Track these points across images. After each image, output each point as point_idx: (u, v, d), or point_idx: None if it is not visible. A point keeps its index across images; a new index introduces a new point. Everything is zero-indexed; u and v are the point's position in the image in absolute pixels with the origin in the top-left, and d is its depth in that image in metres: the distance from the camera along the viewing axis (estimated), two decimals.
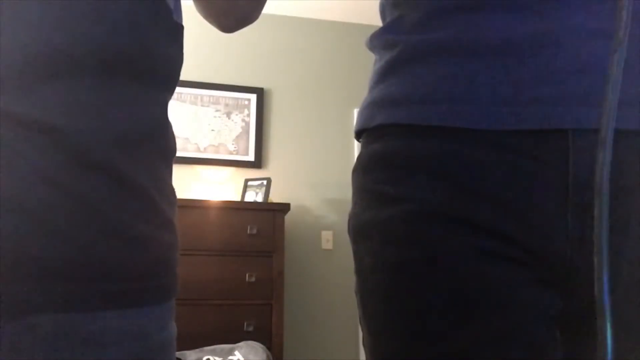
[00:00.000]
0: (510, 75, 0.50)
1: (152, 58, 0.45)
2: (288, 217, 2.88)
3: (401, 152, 0.54)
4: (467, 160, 0.50)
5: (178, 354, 2.07)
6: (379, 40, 0.60)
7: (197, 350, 2.17)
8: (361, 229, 0.56)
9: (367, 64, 0.67)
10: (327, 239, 3.14)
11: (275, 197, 3.02)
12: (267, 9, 3.30)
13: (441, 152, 0.51)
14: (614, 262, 0.48)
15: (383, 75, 0.58)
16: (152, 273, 0.44)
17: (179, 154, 3.02)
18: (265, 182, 2.88)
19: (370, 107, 0.58)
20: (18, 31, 0.38)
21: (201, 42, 3.15)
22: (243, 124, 3.18)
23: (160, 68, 0.46)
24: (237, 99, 3.20)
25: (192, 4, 0.61)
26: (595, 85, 0.49)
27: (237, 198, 3.00)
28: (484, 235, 0.49)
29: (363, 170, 0.58)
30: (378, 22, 0.64)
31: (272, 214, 2.64)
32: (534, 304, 0.49)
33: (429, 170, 0.52)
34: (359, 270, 0.57)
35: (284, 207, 2.68)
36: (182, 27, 0.49)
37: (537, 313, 0.49)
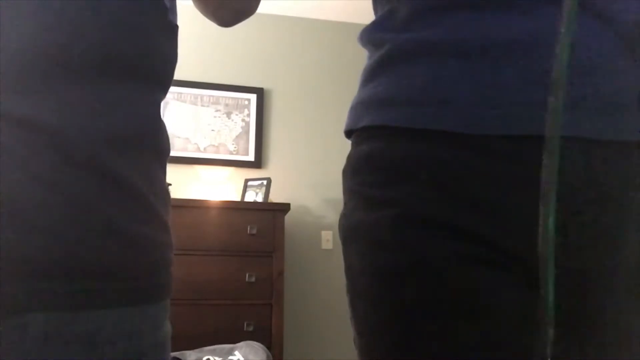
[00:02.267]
0: (497, 78, 0.49)
1: (147, 57, 0.45)
2: (288, 217, 2.88)
3: (386, 154, 0.54)
4: (452, 165, 0.50)
5: (178, 354, 2.07)
6: (369, 37, 0.60)
7: (197, 350, 2.17)
8: (349, 232, 0.56)
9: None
10: (327, 239, 3.14)
11: (275, 197, 3.02)
12: (267, 9, 3.30)
13: (426, 155, 0.51)
14: (608, 270, 0.49)
15: (371, 74, 0.58)
16: (145, 272, 0.44)
17: (179, 154, 3.02)
18: (265, 182, 2.88)
19: (358, 107, 0.58)
20: (14, 32, 0.38)
21: (201, 42, 3.15)
22: (243, 124, 3.18)
23: (154, 67, 0.46)
24: (237, 99, 3.20)
25: (191, 4, 0.61)
26: (585, 91, 0.48)
27: (237, 198, 3.00)
28: (468, 240, 0.49)
29: (351, 171, 0.58)
30: None
31: (272, 214, 2.64)
32: (518, 306, 0.49)
33: (414, 174, 0.51)
34: (348, 272, 0.57)
35: (284, 207, 2.68)
36: (176, 27, 0.49)
37: (522, 316, 0.49)
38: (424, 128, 0.51)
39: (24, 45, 0.38)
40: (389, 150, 0.53)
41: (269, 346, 2.42)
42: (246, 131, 3.18)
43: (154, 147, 0.47)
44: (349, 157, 0.59)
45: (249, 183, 2.94)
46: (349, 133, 0.60)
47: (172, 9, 0.49)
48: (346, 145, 0.61)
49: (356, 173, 0.57)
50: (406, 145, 0.52)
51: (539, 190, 0.49)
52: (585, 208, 0.48)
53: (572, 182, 0.48)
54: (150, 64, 0.45)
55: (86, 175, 0.40)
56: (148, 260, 0.44)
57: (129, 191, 0.43)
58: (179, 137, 3.05)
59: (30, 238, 0.37)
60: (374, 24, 0.59)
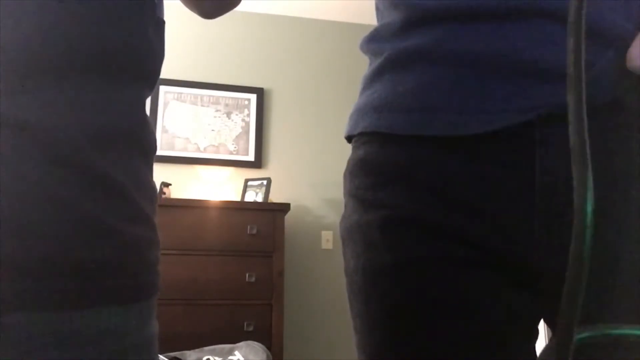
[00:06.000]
0: (483, 88, 0.51)
1: (132, 53, 0.44)
2: (288, 217, 2.88)
3: (378, 159, 0.56)
4: (440, 168, 0.52)
5: (178, 354, 2.07)
6: (368, 46, 0.62)
7: (197, 350, 2.16)
8: (347, 232, 0.59)
9: (367, 64, 0.67)
10: (327, 239, 3.14)
11: (275, 197, 3.02)
12: (267, 9, 3.30)
13: (415, 159, 0.54)
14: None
15: (369, 82, 0.60)
16: (130, 270, 0.43)
17: (179, 154, 3.02)
18: (265, 182, 2.88)
19: (356, 114, 0.61)
20: None
21: (202, 42, 3.15)
22: (243, 124, 3.18)
23: (140, 63, 0.46)
24: (237, 99, 3.20)
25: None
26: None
27: (237, 198, 3.00)
28: (454, 241, 0.51)
29: (350, 175, 0.61)
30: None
31: (272, 214, 2.64)
32: (504, 305, 0.51)
33: (404, 177, 0.54)
34: (346, 272, 0.59)
35: (284, 207, 2.68)
36: (163, 22, 0.49)
37: (508, 314, 0.51)
38: (411, 134, 0.54)
39: (4, 44, 0.37)
40: (380, 154, 0.56)
41: (269, 346, 2.42)
42: (246, 131, 3.18)
43: (139, 144, 0.46)
44: (348, 162, 0.62)
45: (249, 183, 2.94)
46: (348, 139, 0.63)
47: (159, 4, 0.49)
48: (346, 145, 0.63)
49: (353, 177, 0.60)
50: (396, 149, 0.55)
51: (522, 192, 0.50)
52: (566, 210, 0.49)
53: (553, 185, 0.49)
54: (136, 60, 0.45)
55: (69, 174, 0.39)
56: (133, 259, 0.44)
57: (113, 189, 0.42)
58: (179, 137, 3.05)
59: (13, 237, 0.37)
60: (372, 33, 0.62)
